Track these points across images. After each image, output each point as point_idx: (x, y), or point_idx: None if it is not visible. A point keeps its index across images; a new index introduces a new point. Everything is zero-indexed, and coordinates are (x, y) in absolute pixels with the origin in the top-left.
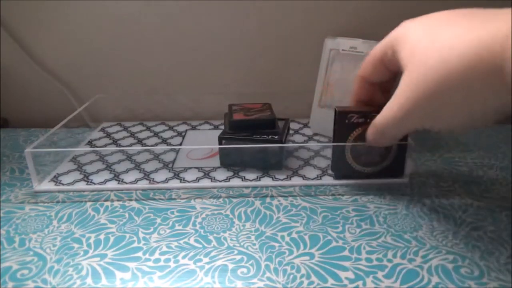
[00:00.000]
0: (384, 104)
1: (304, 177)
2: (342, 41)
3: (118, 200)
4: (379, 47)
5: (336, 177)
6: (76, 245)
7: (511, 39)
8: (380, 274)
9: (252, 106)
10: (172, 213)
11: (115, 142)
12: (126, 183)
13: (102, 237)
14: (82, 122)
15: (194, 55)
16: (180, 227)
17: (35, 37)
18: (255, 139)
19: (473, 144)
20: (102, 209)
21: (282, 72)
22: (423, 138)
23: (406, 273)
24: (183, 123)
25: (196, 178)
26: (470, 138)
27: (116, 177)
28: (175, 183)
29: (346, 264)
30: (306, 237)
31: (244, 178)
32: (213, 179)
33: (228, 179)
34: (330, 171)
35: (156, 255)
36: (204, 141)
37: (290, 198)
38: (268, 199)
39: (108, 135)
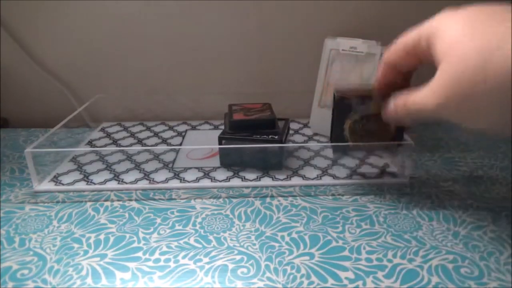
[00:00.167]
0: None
1: (304, 177)
2: (342, 41)
3: (118, 200)
4: (412, 36)
5: (334, 150)
6: (76, 245)
7: None
8: (380, 274)
9: (252, 106)
10: (172, 213)
11: (115, 142)
12: (126, 183)
13: (102, 237)
14: (82, 122)
15: (194, 55)
16: (180, 227)
17: (35, 37)
18: (255, 139)
19: (473, 144)
20: (102, 209)
21: (282, 72)
22: (423, 138)
23: (406, 273)
24: (183, 123)
25: (196, 178)
26: (470, 138)
27: (116, 177)
28: (175, 183)
29: (346, 264)
30: (306, 237)
31: (244, 178)
32: (213, 179)
33: (228, 179)
34: (329, 171)
35: (156, 255)
36: (204, 141)
37: (290, 198)
38: (268, 199)
39: (108, 135)
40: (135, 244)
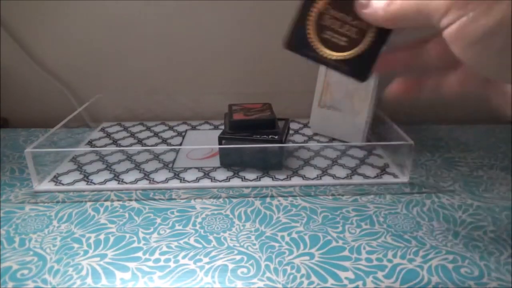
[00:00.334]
0: None
1: (304, 177)
2: None
3: (118, 200)
4: None
5: (290, 47)
6: (76, 245)
7: None
8: (380, 274)
9: (252, 106)
10: (172, 213)
11: (115, 142)
12: (126, 183)
13: (102, 237)
14: (82, 122)
15: (194, 55)
16: (180, 227)
17: (35, 37)
18: (255, 139)
19: (473, 144)
20: (102, 209)
21: (282, 72)
22: (423, 138)
23: (406, 273)
24: (183, 123)
25: (196, 178)
26: (470, 138)
27: (116, 177)
28: (175, 183)
29: (346, 264)
30: (306, 237)
31: (244, 178)
32: (213, 179)
33: (228, 179)
34: (329, 171)
35: (156, 255)
36: (204, 141)
37: (290, 198)
38: (268, 199)
39: (108, 135)
40: (135, 244)
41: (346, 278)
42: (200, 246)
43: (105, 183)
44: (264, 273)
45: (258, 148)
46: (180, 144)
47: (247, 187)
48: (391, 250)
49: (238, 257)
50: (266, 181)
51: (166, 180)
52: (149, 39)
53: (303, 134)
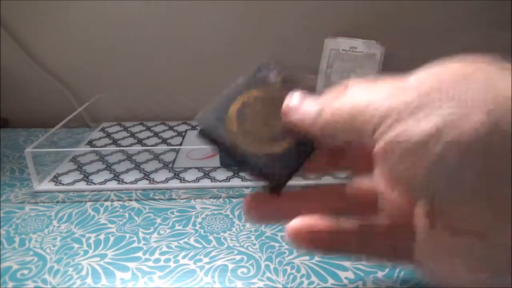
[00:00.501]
0: None
1: (304, 177)
2: (342, 41)
3: (118, 200)
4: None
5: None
6: (76, 245)
7: None
8: (380, 274)
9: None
10: (172, 213)
11: (115, 142)
12: (126, 183)
13: (102, 237)
14: (82, 122)
15: (194, 55)
16: (180, 227)
17: (35, 37)
18: None
19: None
20: (102, 209)
21: None
22: None
23: (406, 273)
24: (183, 123)
25: (196, 178)
26: None
27: (116, 177)
28: (175, 183)
29: (346, 264)
30: None
31: (244, 178)
32: (213, 179)
33: (228, 179)
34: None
35: (156, 255)
36: None
37: None
38: None
39: (108, 135)
40: (135, 244)
41: (346, 278)
42: (200, 246)
43: (105, 183)
44: (264, 273)
45: None
46: (180, 144)
47: (247, 187)
48: None
49: (238, 257)
50: None
51: (166, 180)
52: (149, 39)
53: None
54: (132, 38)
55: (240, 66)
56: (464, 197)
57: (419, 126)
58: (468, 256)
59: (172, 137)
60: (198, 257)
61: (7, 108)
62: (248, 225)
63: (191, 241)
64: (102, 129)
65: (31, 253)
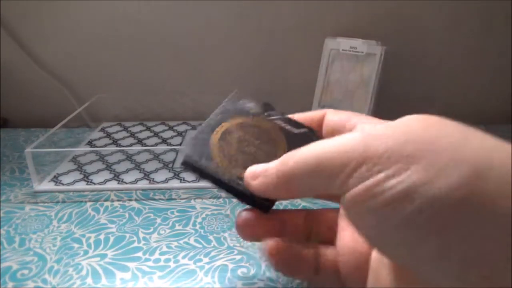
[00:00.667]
0: None
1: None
2: (342, 41)
3: (118, 200)
4: None
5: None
6: (76, 245)
7: None
8: None
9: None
10: (172, 213)
11: (115, 142)
12: (126, 183)
13: (102, 237)
14: (82, 122)
15: (194, 55)
16: (180, 227)
17: (35, 37)
18: None
19: None
20: (102, 209)
21: (282, 72)
22: None
23: None
24: (183, 123)
25: (196, 178)
26: None
27: (116, 177)
28: (175, 183)
29: None
30: None
31: None
32: None
33: None
34: None
35: (156, 255)
36: None
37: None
38: None
39: (108, 135)
40: (135, 244)
41: None
42: (200, 246)
43: (105, 183)
44: (264, 273)
45: None
46: (180, 144)
47: None
48: None
49: (238, 257)
50: None
51: (166, 180)
52: (149, 39)
53: None
54: (132, 38)
55: (240, 66)
56: (432, 259)
57: (391, 183)
58: None
59: (172, 137)
60: (198, 257)
61: (7, 108)
62: None
63: (191, 241)
64: (102, 129)
65: (31, 253)
